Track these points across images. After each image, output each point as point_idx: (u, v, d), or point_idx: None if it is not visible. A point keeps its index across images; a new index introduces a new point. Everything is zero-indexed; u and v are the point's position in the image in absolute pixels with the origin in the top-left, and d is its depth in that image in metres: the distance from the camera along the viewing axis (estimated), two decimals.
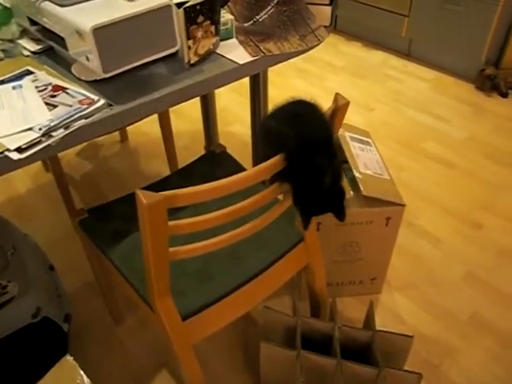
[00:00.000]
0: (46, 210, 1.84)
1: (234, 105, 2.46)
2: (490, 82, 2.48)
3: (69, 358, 0.88)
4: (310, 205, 0.79)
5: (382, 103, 2.48)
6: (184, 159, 1.64)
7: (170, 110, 1.86)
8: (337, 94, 0.87)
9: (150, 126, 2.25)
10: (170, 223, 0.71)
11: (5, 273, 1.17)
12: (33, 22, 1.07)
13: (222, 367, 1.31)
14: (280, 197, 0.90)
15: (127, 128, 2.20)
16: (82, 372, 0.85)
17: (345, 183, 1.24)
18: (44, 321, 1.15)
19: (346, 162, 1.30)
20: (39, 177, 2.01)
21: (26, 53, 1.09)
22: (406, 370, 1.02)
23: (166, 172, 1.97)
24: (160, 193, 0.66)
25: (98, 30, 0.86)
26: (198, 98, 1.69)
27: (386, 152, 2.11)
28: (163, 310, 0.89)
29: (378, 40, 3.05)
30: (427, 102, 2.48)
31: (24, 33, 1.15)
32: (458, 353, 1.32)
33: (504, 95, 2.48)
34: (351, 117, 2.35)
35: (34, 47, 1.10)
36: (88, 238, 1.10)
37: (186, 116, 2.37)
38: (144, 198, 0.64)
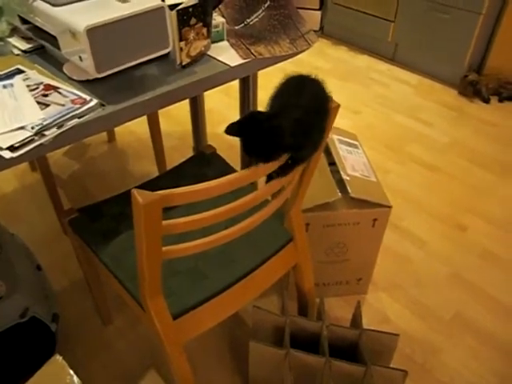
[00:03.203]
0: (33, 210, 1.82)
1: (221, 106, 2.47)
2: (472, 88, 2.54)
3: (58, 357, 0.88)
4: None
5: (368, 107, 2.52)
6: (172, 160, 1.65)
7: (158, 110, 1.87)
8: None
9: (137, 126, 2.25)
10: (164, 222, 0.72)
11: None
12: (24, 21, 1.06)
13: (211, 366, 1.31)
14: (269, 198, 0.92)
15: (115, 128, 2.20)
16: (71, 371, 0.85)
17: (333, 185, 1.26)
18: (32, 320, 1.15)
19: (334, 164, 1.33)
20: (25, 176, 1.99)
21: (17, 51, 1.09)
22: (391, 368, 1.05)
23: (154, 172, 1.97)
24: (156, 192, 0.67)
25: (92, 30, 0.87)
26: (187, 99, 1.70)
27: (372, 155, 2.15)
28: (154, 309, 0.89)
29: (363, 44, 3.09)
30: (411, 106, 2.53)
31: (14, 31, 1.14)
32: (442, 351, 1.36)
33: (486, 101, 2.54)
34: (337, 120, 2.37)
35: (24, 46, 1.10)
36: (78, 238, 1.10)
37: (174, 116, 2.37)
38: (140, 196, 0.65)
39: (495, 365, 1.32)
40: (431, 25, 2.59)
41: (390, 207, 1.27)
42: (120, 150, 2.16)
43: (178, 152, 2.13)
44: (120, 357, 1.34)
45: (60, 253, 1.63)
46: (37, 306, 1.18)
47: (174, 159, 1.43)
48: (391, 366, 1.15)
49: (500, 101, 2.56)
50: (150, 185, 1.22)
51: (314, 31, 1.25)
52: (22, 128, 0.84)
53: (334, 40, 3.24)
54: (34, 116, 0.87)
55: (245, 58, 1.09)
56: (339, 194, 1.23)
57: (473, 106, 2.53)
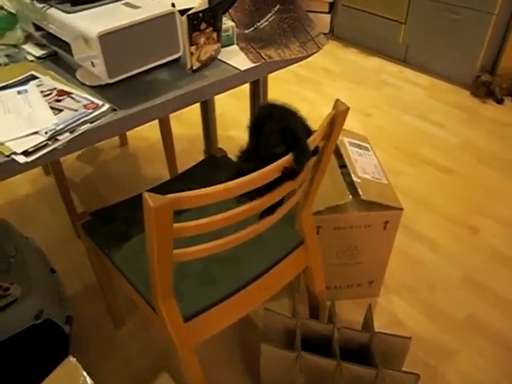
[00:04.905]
0: (46, 214, 1.85)
1: (232, 109, 2.48)
2: (485, 89, 2.51)
3: (72, 359, 0.89)
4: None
5: (379, 109, 2.51)
6: (183, 163, 1.66)
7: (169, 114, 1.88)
8: (337, 100, 0.89)
9: (149, 130, 2.27)
10: (176, 225, 0.72)
11: (7, 275, 1.18)
12: (38, 28, 1.08)
13: (222, 368, 1.32)
14: None
15: (127, 132, 2.22)
16: (84, 373, 0.86)
17: (344, 187, 1.26)
18: (46, 322, 1.16)
19: (345, 166, 1.33)
20: (39, 180, 2.02)
21: (31, 58, 1.11)
22: (403, 371, 1.04)
23: (166, 176, 1.98)
24: (166, 195, 0.67)
25: (104, 37, 0.88)
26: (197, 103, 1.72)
27: (383, 157, 2.14)
28: (166, 311, 0.90)
29: (374, 46, 3.08)
30: (423, 107, 2.51)
31: (28, 38, 1.16)
32: (455, 354, 1.34)
33: (499, 101, 2.52)
34: (348, 122, 2.37)
35: (38, 52, 1.12)
36: (91, 241, 1.11)
37: (185, 120, 2.39)
38: (151, 200, 0.66)
39: (508, 367, 1.31)
40: (443, 26, 2.58)
41: (401, 209, 1.26)
42: (132, 154, 2.19)
43: (189, 155, 2.14)
44: (132, 359, 1.35)
45: (73, 256, 1.65)
46: (51, 309, 1.19)
47: (185, 163, 1.43)
48: (403, 369, 1.15)
49: None
50: (162, 188, 1.23)
51: (324, 34, 1.25)
52: (35, 133, 0.86)
53: (344, 42, 3.24)
54: (48, 121, 0.88)
55: (255, 62, 1.10)
56: (350, 196, 1.23)
57: (485, 106, 2.51)
